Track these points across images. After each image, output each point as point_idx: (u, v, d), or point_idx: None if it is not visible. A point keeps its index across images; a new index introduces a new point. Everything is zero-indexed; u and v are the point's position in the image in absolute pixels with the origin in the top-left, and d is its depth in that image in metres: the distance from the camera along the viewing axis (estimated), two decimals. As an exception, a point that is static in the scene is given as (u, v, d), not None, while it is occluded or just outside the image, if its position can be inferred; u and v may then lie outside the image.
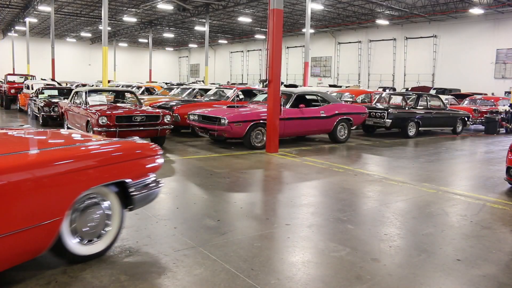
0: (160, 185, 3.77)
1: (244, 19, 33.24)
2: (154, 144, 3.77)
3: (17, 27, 40.20)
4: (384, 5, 27.72)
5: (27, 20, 34.52)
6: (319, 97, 10.82)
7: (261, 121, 9.19)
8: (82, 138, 3.75)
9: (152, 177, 3.70)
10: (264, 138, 9.33)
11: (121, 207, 3.48)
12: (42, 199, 2.79)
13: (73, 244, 3.16)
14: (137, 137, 3.86)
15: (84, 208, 3.20)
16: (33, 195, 2.74)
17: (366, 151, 9.70)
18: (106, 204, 3.37)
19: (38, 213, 2.77)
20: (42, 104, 12.80)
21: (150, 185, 3.65)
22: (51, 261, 3.32)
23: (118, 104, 9.99)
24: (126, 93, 11.75)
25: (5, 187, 2.55)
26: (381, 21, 31.38)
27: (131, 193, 3.46)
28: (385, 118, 11.74)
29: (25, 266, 3.22)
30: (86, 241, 3.27)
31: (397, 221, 4.62)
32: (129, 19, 36.07)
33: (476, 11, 25.84)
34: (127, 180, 3.41)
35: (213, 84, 30.57)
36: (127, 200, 3.48)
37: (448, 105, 14.72)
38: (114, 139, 3.78)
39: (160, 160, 3.76)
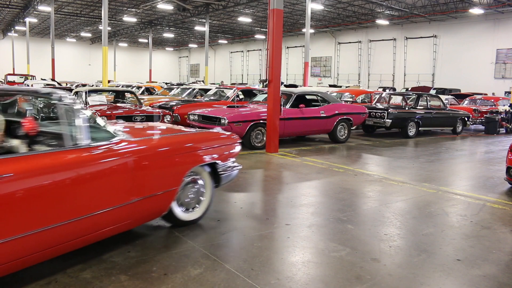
0: (238, 167, 4.64)
1: (244, 19, 33.25)
2: (235, 135, 4.72)
3: (17, 27, 40.20)
4: (384, 5, 27.72)
5: (27, 20, 34.53)
6: (319, 97, 10.82)
7: (261, 121, 9.19)
8: (184, 129, 4.64)
9: (232, 160, 4.56)
10: (264, 138, 9.33)
11: (212, 183, 4.32)
12: (169, 172, 3.75)
13: (179, 211, 4.05)
14: (220, 128, 4.91)
15: (187, 183, 4.04)
16: (166, 168, 3.68)
17: (366, 151, 9.70)
18: (201, 181, 4.21)
19: (167, 182, 3.72)
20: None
21: (232, 167, 4.53)
22: (51, 261, 3.33)
23: (118, 104, 9.99)
24: (126, 93, 11.76)
25: (159, 161, 3.60)
26: (381, 21, 31.39)
27: (219, 173, 4.34)
28: (385, 118, 11.73)
29: (25, 266, 3.23)
30: (188, 210, 4.15)
31: (397, 221, 4.62)
32: (129, 19, 36.07)
33: (476, 11, 25.84)
34: (217, 162, 4.29)
35: (213, 84, 30.58)
36: (215, 178, 4.34)
37: (448, 105, 14.72)
38: (207, 130, 4.98)
39: (239, 148, 4.66)
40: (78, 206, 2.96)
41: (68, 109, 3.11)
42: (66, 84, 23.37)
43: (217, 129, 4.90)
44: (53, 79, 24.11)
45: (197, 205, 4.22)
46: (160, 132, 4.40)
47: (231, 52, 51.92)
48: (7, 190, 2.51)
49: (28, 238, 2.64)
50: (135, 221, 3.55)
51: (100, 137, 3.24)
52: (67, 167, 2.90)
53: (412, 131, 12.49)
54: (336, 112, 10.58)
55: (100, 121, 3.46)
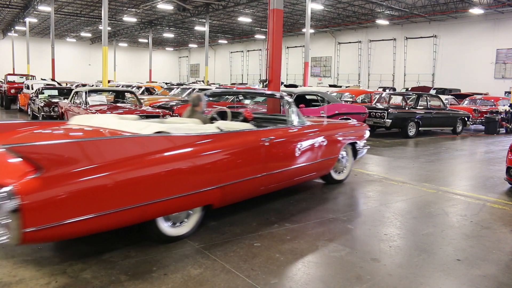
0: (367, 147, 6.63)
1: (244, 19, 33.25)
2: (366, 124, 6.87)
3: (17, 27, 40.19)
4: (384, 5, 27.71)
5: (27, 20, 34.50)
6: (319, 97, 10.82)
7: (261, 121, 9.19)
8: (335, 120, 7.15)
9: (364, 142, 6.49)
10: (264, 138, 9.33)
11: (352, 156, 6.33)
12: (335, 145, 5.69)
13: (333, 173, 6.04)
14: (353, 119, 7.71)
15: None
16: (333, 142, 5.64)
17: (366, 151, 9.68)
18: (344, 154, 6.11)
19: (333, 151, 5.65)
20: (42, 104, 12.79)
21: (364, 146, 6.49)
22: (51, 261, 3.33)
23: (118, 104, 9.99)
24: (126, 93, 11.76)
25: (330, 138, 5.56)
26: (381, 21, 31.39)
27: (357, 149, 6.32)
28: (385, 118, 11.73)
29: (25, 266, 3.23)
30: (337, 173, 6.14)
31: (397, 221, 4.62)
32: (129, 19, 36.07)
33: (476, 11, 25.83)
34: (357, 142, 6.24)
35: (213, 84, 30.57)
36: (354, 153, 6.31)
37: (448, 105, 14.72)
38: (350, 120, 7.69)
39: (368, 133, 6.63)
40: (297, 159, 4.94)
41: (287, 103, 5.25)
42: (66, 84, 23.36)
43: (354, 120, 7.59)
44: (53, 79, 24.10)
45: (343, 170, 6.23)
46: (325, 121, 6.03)
47: (231, 52, 51.91)
48: (272, 146, 4.50)
49: (280, 173, 4.70)
50: (316, 175, 5.61)
51: (301, 121, 5.25)
52: (292, 136, 4.97)
53: (412, 131, 12.49)
54: (336, 112, 10.59)
55: (299, 112, 5.37)
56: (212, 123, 4.69)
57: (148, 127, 3.78)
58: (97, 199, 2.92)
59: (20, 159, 2.69)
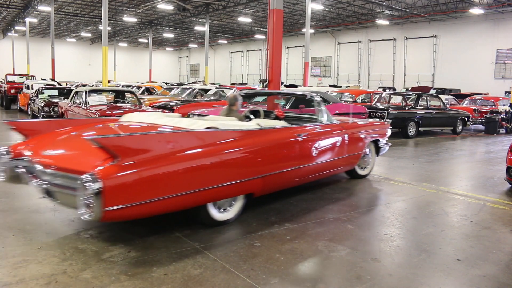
0: (389, 144, 6.98)
1: (244, 19, 33.25)
2: (387, 123, 7.09)
3: (17, 27, 40.19)
4: (384, 5, 27.71)
5: (27, 20, 34.51)
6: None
7: (261, 121, 9.19)
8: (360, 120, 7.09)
9: (386, 139, 6.86)
10: (264, 138, 9.33)
11: (375, 153, 6.76)
12: (359, 141, 6.14)
13: (357, 168, 6.49)
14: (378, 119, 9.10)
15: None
16: (358, 139, 6.12)
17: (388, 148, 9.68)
18: (368, 151, 6.54)
19: (358, 148, 6.13)
20: (42, 104, 12.79)
21: (385, 143, 6.89)
22: (51, 261, 3.33)
23: (118, 104, 9.99)
24: (126, 93, 11.76)
25: (356, 135, 6.06)
26: (381, 21, 31.38)
27: (380, 146, 6.74)
28: (385, 118, 11.73)
29: (25, 266, 3.23)
30: (361, 168, 6.59)
31: (397, 221, 4.62)
32: (129, 19, 36.07)
33: (476, 11, 25.83)
34: (379, 139, 6.67)
35: (213, 84, 30.57)
36: (376, 150, 6.76)
37: (448, 105, 14.72)
38: (372, 119, 8.41)
39: (390, 132, 6.97)
40: (327, 154, 5.43)
41: (317, 103, 5.73)
42: (66, 84, 23.35)
43: (377, 119, 8.54)
44: (53, 79, 24.09)
45: (366, 166, 6.66)
46: (351, 120, 6.35)
47: (231, 52, 51.91)
48: (305, 141, 5.00)
49: (312, 167, 5.19)
50: (343, 169, 6.09)
51: (329, 120, 5.73)
52: (322, 133, 5.45)
53: (412, 131, 12.49)
54: (336, 112, 10.57)
55: (328, 111, 5.88)
56: (247, 121, 5.27)
57: (197, 123, 4.21)
58: (163, 184, 3.42)
59: (101, 149, 3.20)
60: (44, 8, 28.31)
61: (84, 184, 3.06)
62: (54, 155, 3.94)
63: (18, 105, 18.27)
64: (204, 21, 31.98)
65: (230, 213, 4.26)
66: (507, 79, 27.37)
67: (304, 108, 9.97)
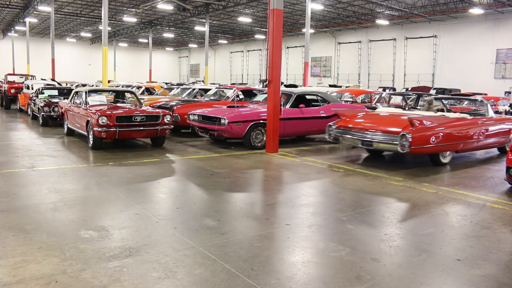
0: None
1: (244, 19, 33.24)
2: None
3: (17, 27, 40.19)
4: (384, 5, 27.71)
5: (27, 20, 34.51)
6: (319, 97, 10.82)
7: (261, 121, 9.19)
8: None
9: None
10: (264, 138, 9.34)
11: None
12: (508, 130, 8.88)
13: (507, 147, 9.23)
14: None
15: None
16: (508, 129, 8.92)
17: (366, 151, 9.68)
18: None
19: (507, 133, 8.86)
20: (42, 104, 12.79)
21: None
22: (51, 261, 3.33)
23: (118, 104, 9.98)
24: (126, 93, 11.75)
25: (506, 125, 8.93)
26: (381, 21, 31.38)
27: None
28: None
29: (25, 266, 3.23)
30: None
31: (397, 221, 4.62)
32: (129, 19, 36.07)
33: (476, 11, 25.83)
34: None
35: (213, 84, 30.57)
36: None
37: (448, 105, 14.69)
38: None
39: None
40: (492, 135, 8.35)
41: (482, 103, 9.12)
42: (66, 84, 23.34)
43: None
44: (53, 79, 24.09)
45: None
46: (503, 115, 9.44)
47: (231, 52, 51.91)
48: (482, 125, 8.22)
49: (484, 141, 8.36)
50: (498, 145, 8.90)
51: (491, 114, 8.61)
52: (491, 121, 8.45)
53: (412, 131, 12.46)
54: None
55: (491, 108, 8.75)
56: (440, 115, 8.23)
57: (427, 113, 8.46)
58: (436, 138, 7.17)
59: (407, 121, 7.15)
60: (44, 8, 28.30)
61: (402, 137, 6.87)
62: (372, 125, 7.64)
63: (18, 105, 18.27)
64: (204, 21, 31.98)
65: (446, 159, 7.93)
66: (507, 79, 27.37)
67: (304, 108, 10.02)
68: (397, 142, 6.90)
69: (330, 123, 8.24)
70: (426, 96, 11.42)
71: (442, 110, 9.61)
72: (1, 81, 25.05)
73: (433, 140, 7.10)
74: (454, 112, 9.46)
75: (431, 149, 7.26)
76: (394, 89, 28.50)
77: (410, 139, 6.76)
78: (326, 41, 39.97)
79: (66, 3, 31.20)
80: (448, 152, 7.85)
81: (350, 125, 7.91)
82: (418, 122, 7.05)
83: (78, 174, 6.54)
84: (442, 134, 7.25)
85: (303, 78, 23.96)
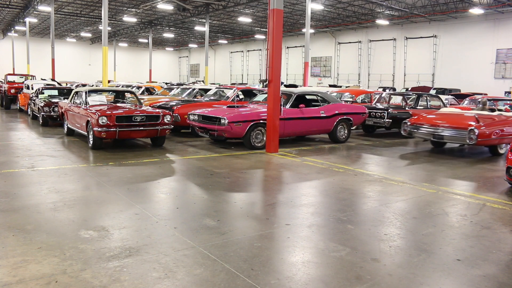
0: None
1: (244, 19, 33.24)
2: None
3: (17, 27, 40.19)
4: (384, 5, 27.71)
5: (27, 20, 34.51)
6: (319, 97, 10.82)
7: (261, 121, 9.19)
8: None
9: None
10: (264, 138, 9.34)
11: None
12: None
13: None
14: None
15: None
16: None
17: (366, 151, 9.70)
18: None
19: None
20: (42, 104, 12.79)
21: None
22: (51, 261, 3.33)
23: (118, 104, 9.98)
24: (126, 93, 11.74)
25: None
26: (381, 21, 31.38)
27: None
28: (385, 118, 11.73)
29: (25, 266, 3.23)
30: None
31: (397, 221, 4.62)
32: (129, 19, 36.06)
33: (476, 11, 25.83)
34: None
35: (213, 84, 30.57)
36: None
37: (448, 105, 14.70)
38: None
39: None
40: None
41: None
42: (66, 84, 23.34)
43: None
44: (53, 79, 24.10)
45: None
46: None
47: (231, 52, 51.92)
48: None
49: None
50: None
51: None
52: None
53: (412, 131, 12.47)
54: (336, 112, 10.58)
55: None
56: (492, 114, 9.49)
57: (470, 112, 9.60)
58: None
59: (474, 119, 8.70)
60: (44, 8, 28.30)
61: (470, 131, 8.31)
62: (442, 122, 9.07)
63: (18, 105, 18.26)
64: (204, 21, 31.98)
65: (502, 151, 9.19)
66: (507, 79, 27.38)
67: (304, 108, 10.03)
68: (466, 136, 8.41)
69: (405, 121, 9.77)
70: (479, 99, 12.99)
71: (493, 110, 10.65)
72: (1, 81, 25.05)
73: (494, 134, 8.55)
74: (505, 111, 11.04)
75: (492, 142, 8.70)
76: (394, 89, 28.49)
77: (477, 133, 8.23)
78: (326, 41, 39.97)
79: (66, 3, 31.20)
80: (504, 144, 9.11)
81: (422, 122, 9.46)
82: (483, 120, 8.69)
83: (78, 174, 6.55)
84: (501, 129, 8.64)
85: (303, 78, 23.96)
